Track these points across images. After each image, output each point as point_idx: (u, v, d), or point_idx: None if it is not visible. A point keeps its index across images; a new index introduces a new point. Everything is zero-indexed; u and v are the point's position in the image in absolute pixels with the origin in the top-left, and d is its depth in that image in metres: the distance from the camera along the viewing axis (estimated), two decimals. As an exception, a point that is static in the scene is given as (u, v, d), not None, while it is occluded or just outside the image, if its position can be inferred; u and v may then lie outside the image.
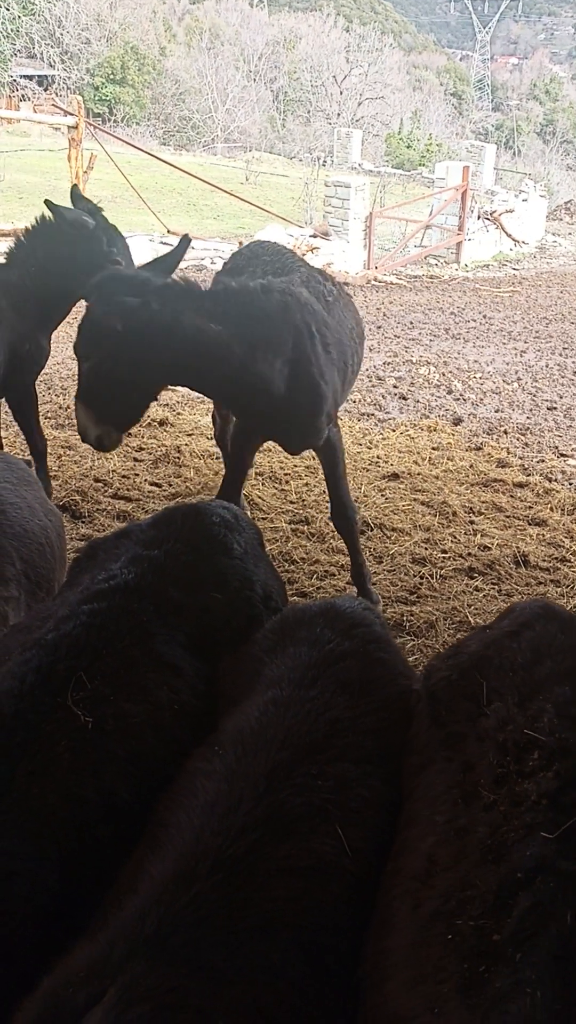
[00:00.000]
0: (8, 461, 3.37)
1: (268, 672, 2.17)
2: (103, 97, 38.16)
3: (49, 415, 7.83)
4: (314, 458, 7.38)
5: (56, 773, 1.95)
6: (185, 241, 4.54)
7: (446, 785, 1.87)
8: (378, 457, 7.48)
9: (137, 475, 6.70)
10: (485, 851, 1.66)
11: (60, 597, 2.48)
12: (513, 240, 20.99)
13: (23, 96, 36.34)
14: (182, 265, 14.10)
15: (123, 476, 6.64)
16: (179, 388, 8.90)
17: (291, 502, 6.47)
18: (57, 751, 1.98)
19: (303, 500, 6.51)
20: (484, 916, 1.55)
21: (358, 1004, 1.66)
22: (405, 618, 5.04)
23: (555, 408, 9.57)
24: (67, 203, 5.50)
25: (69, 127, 15.20)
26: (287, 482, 6.83)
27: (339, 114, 44.13)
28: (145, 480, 6.62)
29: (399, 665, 2.34)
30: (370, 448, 7.76)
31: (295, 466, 7.15)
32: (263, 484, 6.73)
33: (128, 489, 6.41)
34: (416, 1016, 1.50)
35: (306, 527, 6.07)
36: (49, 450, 6.99)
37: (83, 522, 5.87)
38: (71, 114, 15.21)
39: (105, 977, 1.53)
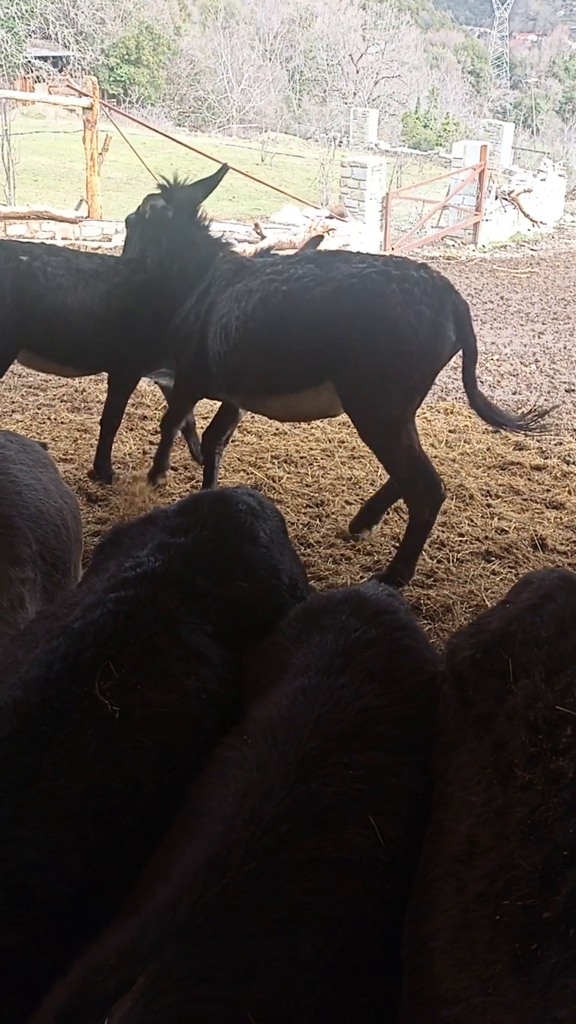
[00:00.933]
0: (23, 443, 3.36)
1: (295, 661, 2.16)
2: (118, 78, 37.96)
3: (65, 398, 7.85)
4: (330, 441, 7.39)
5: (83, 762, 1.95)
6: (223, 169, 5.76)
7: (479, 766, 1.87)
8: (395, 441, 7.45)
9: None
10: (526, 831, 1.67)
11: (86, 584, 2.48)
12: (531, 220, 20.81)
13: (38, 77, 36.21)
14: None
15: (139, 459, 6.65)
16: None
17: (307, 485, 6.47)
18: (84, 740, 1.98)
19: (319, 483, 6.51)
20: (532, 895, 1.56)
21: (392, 995, 1.66)
22: (422, 601, 5.03)
23: (573, 390, 9.51)
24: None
25: (84, 108, 15.14)
26: (303, 465, 6.82)
27: (355, 93, 43.77)
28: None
29: (426, 652, 2.33)
30: (387, 432, 7.74)
31: (311, 450, 7.15)
32: (279, 467, 6.73)
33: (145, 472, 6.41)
34: (469, 997, 1.50)
35: (322, 510, 6.06)
36: (65, 433, 7.04)
37: (99, 505, 5.88)
38: (86, 95, 15.14)
39: (135, 964, 1.53)
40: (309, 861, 1.71)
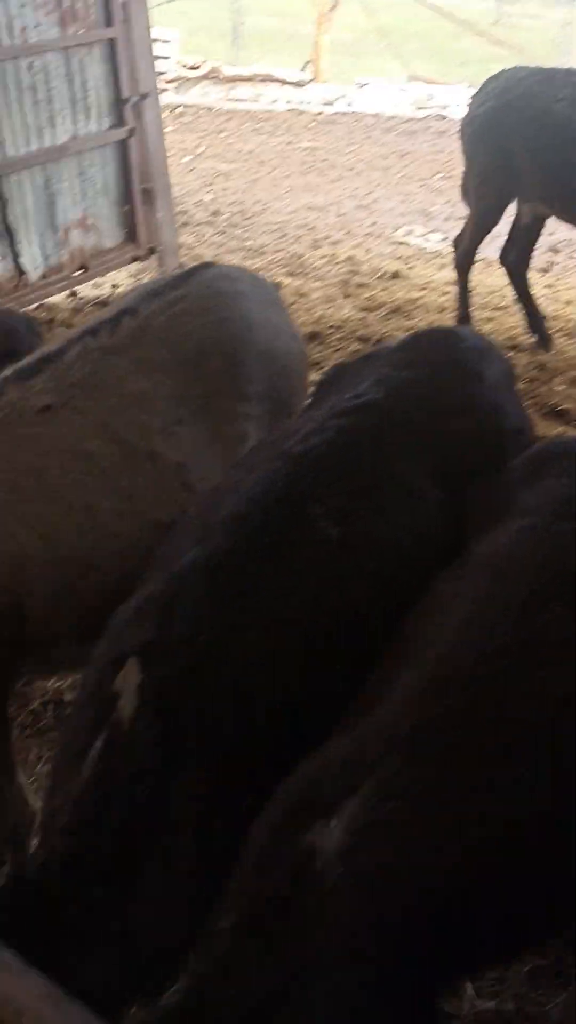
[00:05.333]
0: (257, 281, 3.32)
1: (522, 501, 2.09)
2: None
3: (283, 263, 7.83)
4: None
5: (300, 581, 1.99)
6: None
7: None
8: None
9: (368, 326, 6.61)
10: None
11: (305, 415, 2.48)
12: None
13: None
14: (420, 115, 13.23)
15: (354, 327, 6.57)
16: (413, 243, 8.62)
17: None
18: (301, 559, 2.01)
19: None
20: None
21: None
22: None
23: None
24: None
25: (313, -40, 14.52)
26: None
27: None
28: (377, 331, 6.51)
29: None
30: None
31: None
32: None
33: (359, 340, 6.34)
34: None
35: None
36: (282, 298, 7.02)
37: (313, 370, 5.87)
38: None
39: (359, 773, 1.60)
40: (531, 695, 1.69)
